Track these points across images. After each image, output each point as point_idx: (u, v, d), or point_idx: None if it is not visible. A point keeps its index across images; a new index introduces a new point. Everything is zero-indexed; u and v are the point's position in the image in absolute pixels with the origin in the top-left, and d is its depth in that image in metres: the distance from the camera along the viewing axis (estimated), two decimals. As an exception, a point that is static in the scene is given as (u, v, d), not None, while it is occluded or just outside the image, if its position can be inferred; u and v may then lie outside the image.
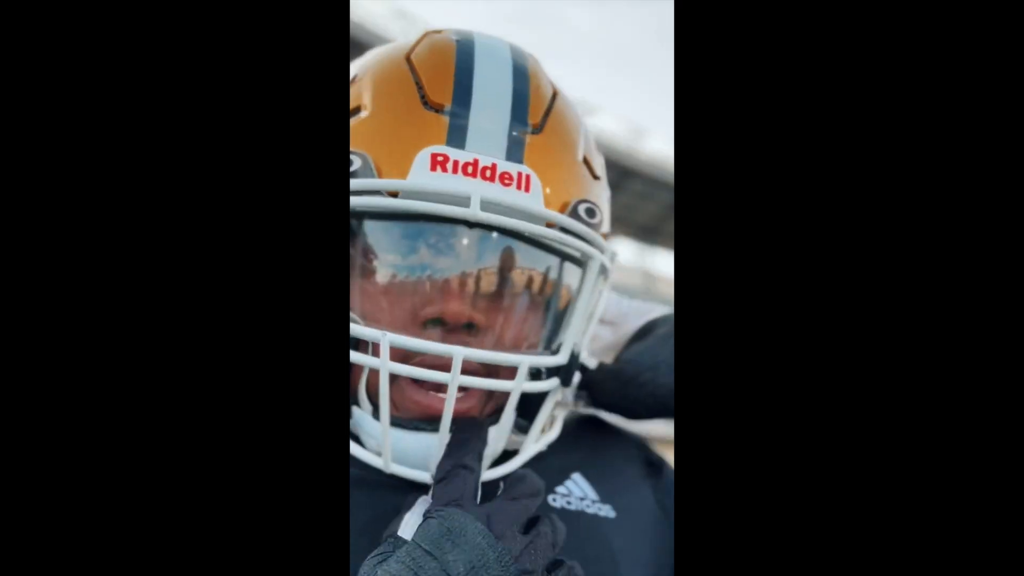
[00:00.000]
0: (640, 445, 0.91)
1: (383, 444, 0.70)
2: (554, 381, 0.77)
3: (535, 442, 0.79)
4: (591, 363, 0.83)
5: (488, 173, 0.69)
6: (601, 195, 0.80)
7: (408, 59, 0.76)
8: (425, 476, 0.71)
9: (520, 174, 0.70)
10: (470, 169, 0.69)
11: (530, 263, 0.74)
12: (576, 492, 0.81)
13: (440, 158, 0.69)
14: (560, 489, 0.80)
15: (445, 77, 0.73)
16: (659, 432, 0.92)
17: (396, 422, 0.72)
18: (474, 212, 0.68)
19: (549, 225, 0.72)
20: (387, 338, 0.67)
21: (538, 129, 0.74)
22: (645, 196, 34.17)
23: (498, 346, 0.73)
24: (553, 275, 0.76)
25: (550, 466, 0.80)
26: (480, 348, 0.70)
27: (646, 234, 36.68)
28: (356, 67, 0.80)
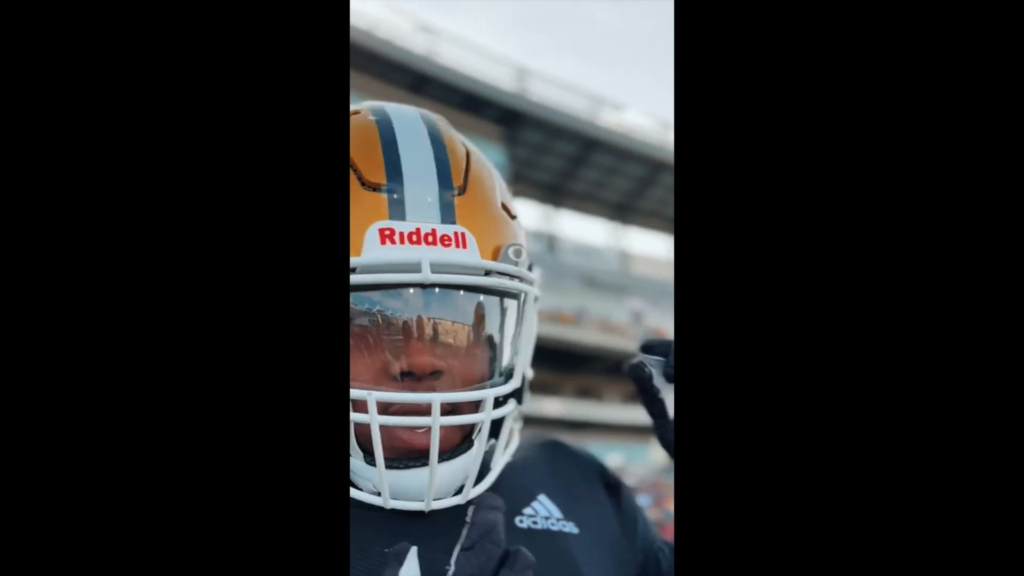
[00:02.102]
0: (598, 466, 0.99)
1: (381, 484, 0.78)
2: (512, 404, 0.86)
3: (502, 455, 0.87)
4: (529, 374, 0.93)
5: (430, 238, 0.77)
6: (519, 232, 0.89)
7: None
8: (420, 505, 0.79)
9: (456, 233, 0.78)
10: (414, 237, 0.76)
11: (476, 308, 0.83)
12: (541, 512, 0.89)
13: (387, 232, 0.76)
14: (527, 510, 0.88)
15: (375, 157, 0.80)
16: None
17: (388, 463, 0.79)
18: (426, 275, 0.75)
19: (486, 273, 0.81)
20: (372, 396, 0.75)
21: (462, 190, 0.82)
22: (614, 171, 34.28)
23: (463, 384, 0.81)
24: (496, 314, 0.85)
25: (516, 488, 0.88)
26: (448, 390, 0.79)
27: (619, 212, 36.78)
28: None
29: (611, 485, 0.97)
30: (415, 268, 0.76)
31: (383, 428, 0.79)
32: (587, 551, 0.87)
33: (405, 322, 0.79)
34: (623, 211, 36.71)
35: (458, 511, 0.83)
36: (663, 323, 28.17)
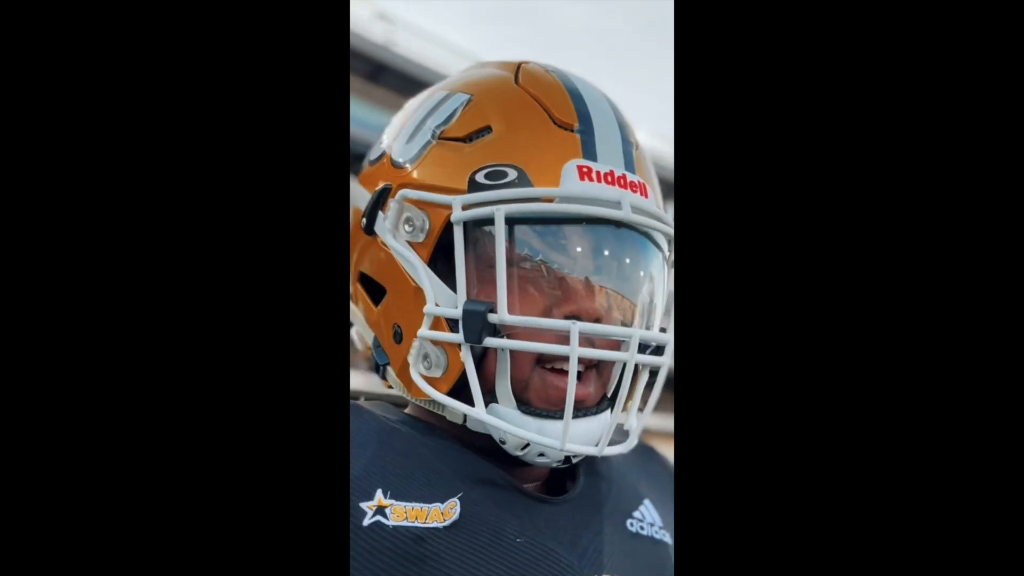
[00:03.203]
0: None
1: (565, 427, 0.75)
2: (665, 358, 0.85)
3: (640, 419, 0.85)
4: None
5: (621, 182, 0.79)
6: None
7: (520, 86, 0.84)
8: (594, 450, 0.79)
9: (638, 182, 0.81)
10: (609, 179, 0.78)
11: (650, 258, 0.84)
12: (648, 518, 0.90)
13: (585, 169, 0.78)
14: (636, 514, 0.89)
15: (564, 101, 0.81)
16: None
17: (538, 412, 0.79)
18: (626, 214, 0.77)
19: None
20: (576, 326, 0.74)
21: (636, 146, 0.84)
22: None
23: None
24: (661, 269, 0.86)
25: (627, 489, 0.89)
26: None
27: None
28: (455, 90, 0.86)
29: None
30: (612, 206, 0.78)
31: (538, 380, 0.79)
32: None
33: (583, 262, 0.79)
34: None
35: (585, 501, 0.84)
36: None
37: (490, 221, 0.76)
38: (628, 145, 0.83)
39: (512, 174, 0.77)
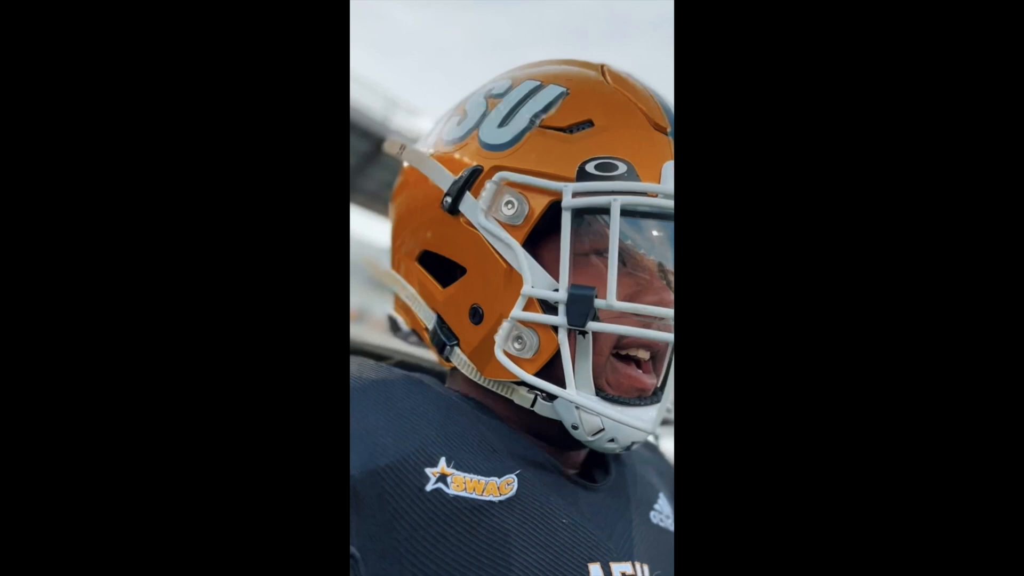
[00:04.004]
0: None
1: (660, 409, 0.80)
2: None
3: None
4: None
5: None
6: None
7: (613, 86, 0.88)
8: (650, 436, 0.85)
9: None
10: None
11: None
12: (665, 510, 0.96)
13: None
14: (656, 506, 0.94)
15: (656, 105, 0.86)
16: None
17: (614, 399, 0.83)
18: None
19: None
20: (670, 314, 0.79)
21: None
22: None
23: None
24: None
25: (645, 481, 0.96)
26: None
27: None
28: (547, 81, 0.88)
29: None
30: None
31: (611, 368, 0.84)
32: None
33: (666, 255, 0.84)
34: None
35: (618, 490, 0.90)
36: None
37: (598, 209, 0.80)
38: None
39: (622, 167, 0.80)
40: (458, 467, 0.76)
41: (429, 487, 0.74)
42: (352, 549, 0.71)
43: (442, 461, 0.76)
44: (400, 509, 0.73)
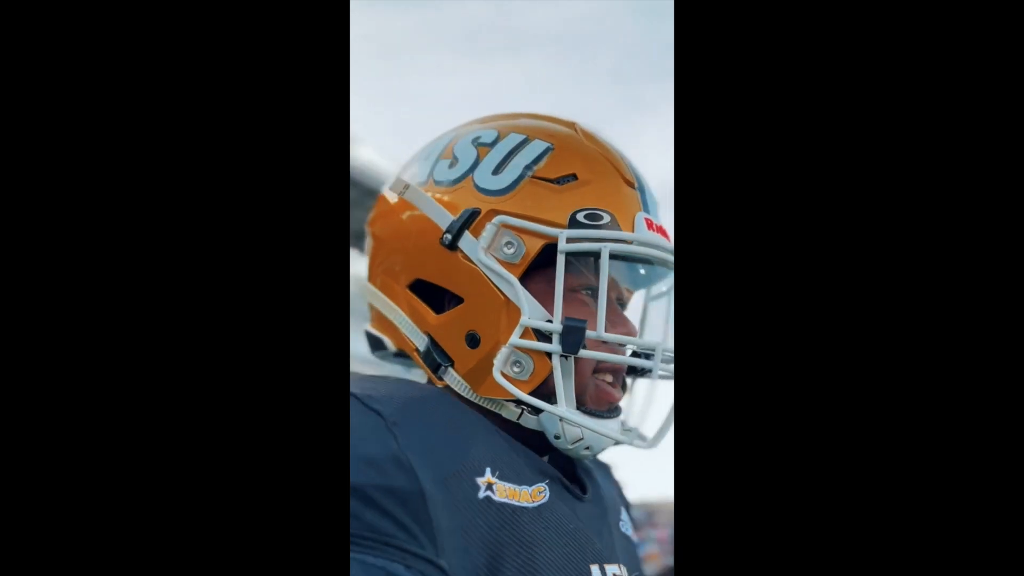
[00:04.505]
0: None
1: (665, 424, 0.94)
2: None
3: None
4: None
5: (661, 231, 1.00)
6: None
7: (589, 144, 1.02)
8: (647, 445, 0.98)
9: (663, 228, 1.02)
10: (660, 230, 0.99)
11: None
12: (627, 520, 1.10)
13: (648, 220, 0.98)
14: (623, 517, 1.08)
15: (623, 163, 1.01)
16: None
17: (590, 412, 0.96)
18: (671, 259, 0.98)
19: None
20: (660, 346, 0.94)
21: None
22: (355, 204, 33.95)
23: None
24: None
25: (614, 495, 1.10)
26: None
27: (356, 241, 36.44)
28: (532, 136, 1.00)
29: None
30: (667, 251, 0.97)
31: (593, 387, 0.97)
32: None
33: (633, 293, 1.00)
34: (360, 239, 36.51)
35: (598, 500, 1.04)
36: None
37: (588, 253, 0.92)
38: (654, 199, 1.03)
39: (607, 217, 0.94)
40: (501, 477, 0.87)
41: (481, 495, 0.84)
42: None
43: (487, 471, 0.86)
44: (466, 515, 0.82)
